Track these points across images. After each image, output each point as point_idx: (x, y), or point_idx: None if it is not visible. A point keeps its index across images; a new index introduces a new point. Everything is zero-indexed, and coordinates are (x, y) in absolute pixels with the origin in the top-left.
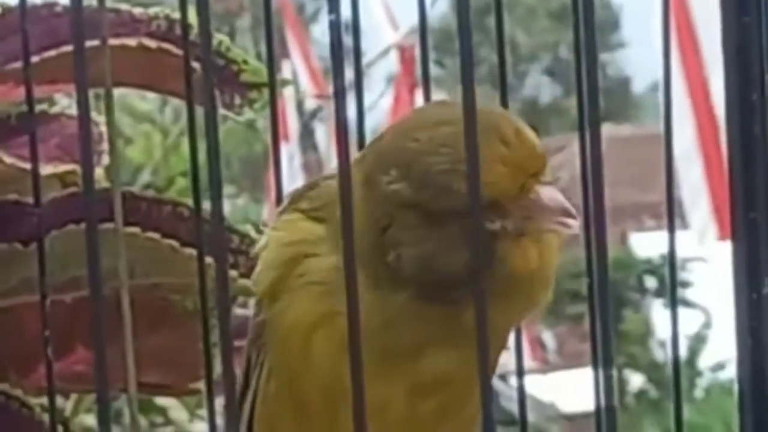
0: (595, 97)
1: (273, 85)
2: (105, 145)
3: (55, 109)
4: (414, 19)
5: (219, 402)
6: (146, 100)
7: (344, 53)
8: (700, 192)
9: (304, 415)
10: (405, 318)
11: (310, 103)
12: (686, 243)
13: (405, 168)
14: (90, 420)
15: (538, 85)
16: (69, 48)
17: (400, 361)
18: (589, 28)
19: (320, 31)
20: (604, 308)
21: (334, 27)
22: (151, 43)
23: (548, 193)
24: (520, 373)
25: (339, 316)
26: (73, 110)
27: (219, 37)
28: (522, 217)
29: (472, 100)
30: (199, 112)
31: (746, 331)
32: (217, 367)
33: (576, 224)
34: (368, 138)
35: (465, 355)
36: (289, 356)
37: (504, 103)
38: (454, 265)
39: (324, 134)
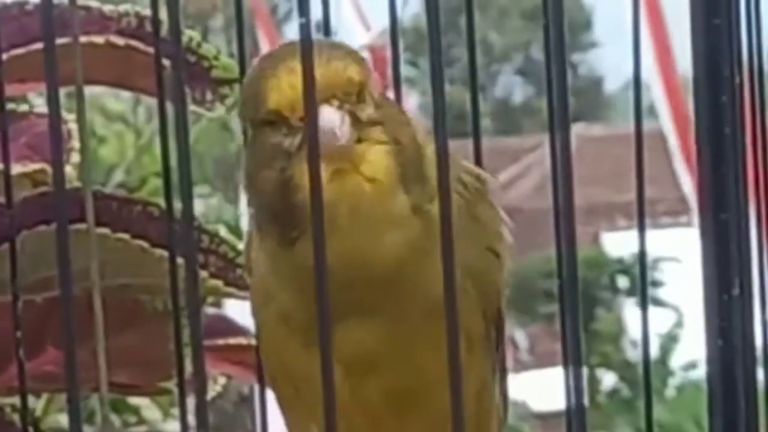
0: (564, 99)
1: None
2: (74, 143)
3: (23, 108)
4: (386, 19)
5: (191, 401)
6: (119, 100)
7: None
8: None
9: (274, 383)
10: (286, 272)
11: None
12: (658, 242)
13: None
14: (62, 420)
15: (511, 85)
16: (39, 46)
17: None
18: (558, 29)
19: (292, 31)
20: (574, 306)
21: (305, 30)
22: (119, 41)
23: (325, 114)
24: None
25: (278, 294)
26: (42, 108)
27: (190, 34)
28: (300, 137)
29: (441, 100)
30: (171, 110)
31: (716, 332)
32: (188, 367)
33: (332, 146)
34: None
35: (391, 328)
36: (257, 334)
37: (474, 103)
38: (267, 182)
39: None
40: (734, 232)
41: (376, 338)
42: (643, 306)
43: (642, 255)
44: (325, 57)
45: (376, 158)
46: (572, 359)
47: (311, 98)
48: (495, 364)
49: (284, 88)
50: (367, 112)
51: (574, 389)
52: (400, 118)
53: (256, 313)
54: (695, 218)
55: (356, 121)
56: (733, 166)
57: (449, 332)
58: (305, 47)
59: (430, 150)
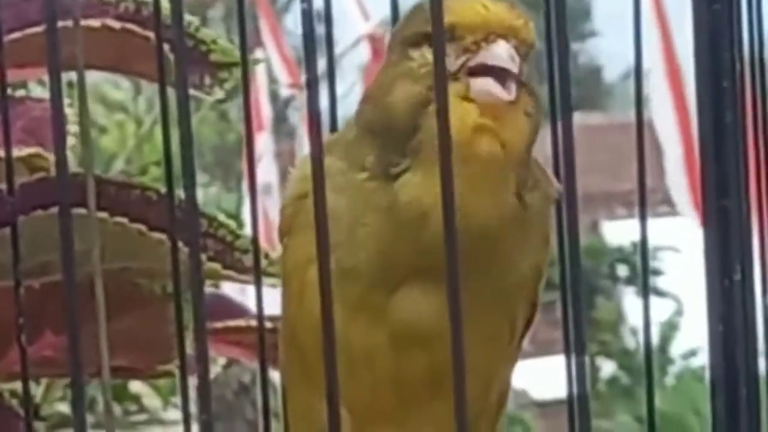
0: (566, 86)
1: (246, 71)
2: (72, 127)
3: (19, 92)
4: (385, 9)
5: (192, 385)
6: (119, 89)
7: (317, 43)
8: (682, 179)
9: (303, 360)
10: (373, 214)
11: (284, 92)
12: (657, 231)
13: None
14: (61, 406)
15: None
16: (37, 30)
17: (377, 289)
18: (561, 17)
19: (293, 20)
20: (577, 295)
21: (306, 16)
22: (116, 24)
23: (499, 49)
24: None
25: (345, 244)
26: (39, 93)
27: (188, 18)
28: (465, 59)
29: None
30: (172, 97)
31: (718, 318)
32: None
33: (503, 94)
34: (340, 128)
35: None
36: (288, 298)
37: None
38: (405, 98)
39: (298, 123)
40: (735, 218)
41: (435, 311)
42: (645, 293)
43: (644, 242)
44: (517, 11)
45: (521, 126)
46: (576, 348)
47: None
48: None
49: (469, 8)
50: (528, 76)
51: (577, 378)
52: (537, 99)
53: (293, 274)
54: (683, 207)
55: (515, 78)
56: (734, 153)
57: (452, 319)
58: (306, 29)
59: None
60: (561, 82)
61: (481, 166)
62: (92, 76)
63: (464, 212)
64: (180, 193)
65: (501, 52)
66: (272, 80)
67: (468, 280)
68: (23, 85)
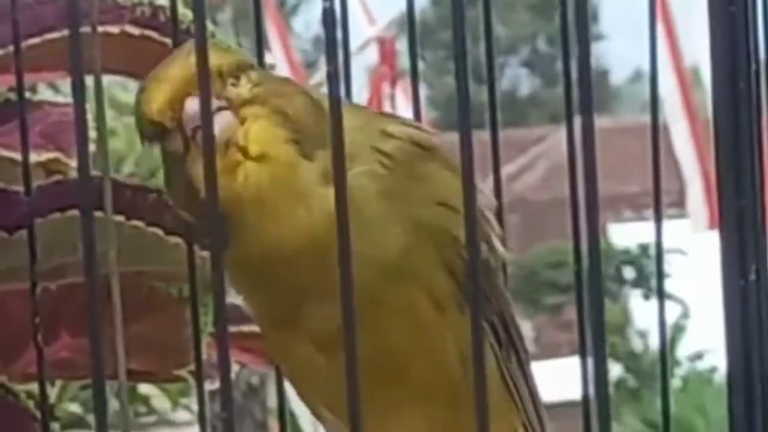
0: (588, 86)
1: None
2: (91, 133)
3: (37, 97)
4: (390, 12)
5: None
6: (129, 92)
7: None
8: (696, 181)
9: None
10: (235, 274)
11: None
12: (664, 234)
13: None
14: (73, 407)
15: (517, 78)
16: (54, 35)
17: (289, 321)
18: (582, 20)
19: (300, 24)
20: (597, 299)
21: (328, 14)
22: (134, 30)
23: (188, 105)
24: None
25: (243, 296)
26: (57, 98)
27: None
28: (183, 135)
29: (466, 94)
30: None
31: (734, 318)
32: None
33: (220, 122)
34: None
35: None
36: None
37: (492, 97)
38: (178, 194)
39: None
40: (750, 218)
41: (334, 312)
42: (660, 295)
43: (659, 245)
44: (184, 56)
45: (260, 134)
46: (594, 351)
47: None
48: (485, 332)
49: (152, 99)
50: (241, 90)
51: (597, 379)
52: (284, 90)
53: None
54: (689, 209)
55: (230, 104)
56: (749, 153)
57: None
58: (328, 28)
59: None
60: (581, 86)
61: (253, 192)
62: (102, 78)
63: (275, 240)
64: None
65: (186, 116)
66: None
67: (335, 281)
68: (32, 88)
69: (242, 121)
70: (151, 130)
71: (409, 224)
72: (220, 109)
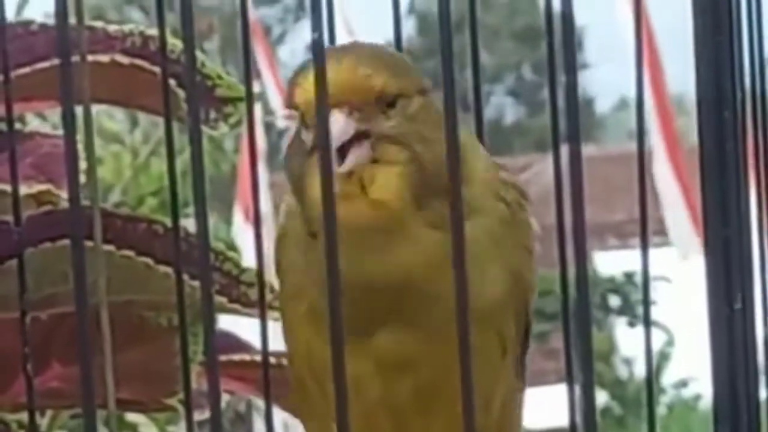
0: (575, 114)
1: (250, 102)
2: (81, 164)
3: (28, 128)
4: (374, 38)
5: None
6: (115, 121)
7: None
8: (679, 209)
9: (302, 387)
10: (315, 264)
11: (279, 123)
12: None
13: None
14: None
15: (502, 106)
16: (44, 65)
17: (360, 335)
18: (570, 49)
19: (286, 53)
20: (585, 327)
21: (317, 46)
22: (124, 60)
23: (337, 124)
24: None
25: (308, 288)
26: (47, 129)
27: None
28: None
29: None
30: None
31: (722, 346)
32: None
33: (336, 167)
34: None
35: (420, 332)
36: (285, 335)
37: (479, 125)
38: (291, 170)
39: None
40: (736, 246)
41: (409, 340)
42: (647, 323)
43: (645, 273)
44: (348, 61)
45: (386, 183)
46: (583, 380)
47: (323, 110)
48: (522, 372)
49: (306, 87)
50: (389, 125)
51: (585, 407)
52: (431, 134)
53: (284, 310)
54: (676, 238)
55: (372, 137)
56: (735, 182)
57: (461, 341)
58: (317, 59)
59: (472, 167)
60: (568, 114)
61: (355, 230)
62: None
63: (363, 272)
64: (185, 224)
65: (333, 123)
66: (267, 111)
67: (417, 315)
68: (21, 118)
69: (376, 159)
70: (294, 111)
71: (507, 269)
72: (359, 136)
